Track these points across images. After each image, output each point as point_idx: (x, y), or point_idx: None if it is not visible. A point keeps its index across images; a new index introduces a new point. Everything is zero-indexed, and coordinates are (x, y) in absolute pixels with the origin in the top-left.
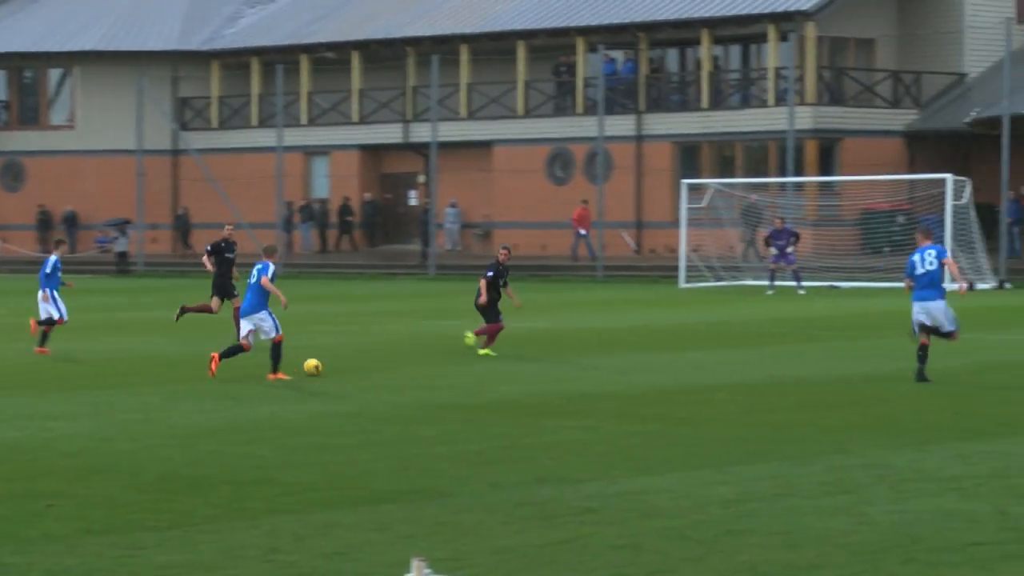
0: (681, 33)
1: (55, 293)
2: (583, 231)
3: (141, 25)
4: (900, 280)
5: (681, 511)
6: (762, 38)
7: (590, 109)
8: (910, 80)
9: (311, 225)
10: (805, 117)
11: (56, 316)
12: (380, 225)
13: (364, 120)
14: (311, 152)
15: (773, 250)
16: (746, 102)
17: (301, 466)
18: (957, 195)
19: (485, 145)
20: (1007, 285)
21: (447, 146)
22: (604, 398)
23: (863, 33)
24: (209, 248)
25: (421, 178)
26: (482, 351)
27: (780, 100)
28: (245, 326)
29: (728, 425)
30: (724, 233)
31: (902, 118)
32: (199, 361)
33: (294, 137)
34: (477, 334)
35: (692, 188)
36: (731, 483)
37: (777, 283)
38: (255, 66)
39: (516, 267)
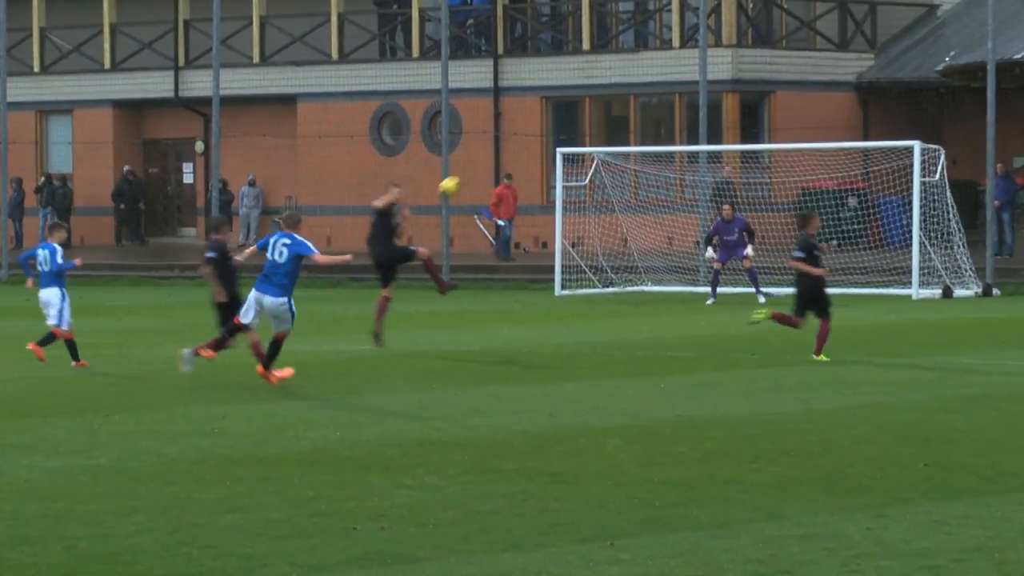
0: None
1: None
2: (501, 220)
3: None
4: (853, 284)
5: None
6: None
7: (430, 52)
8: (862, 14)
9: (50, 212)
10: (723, 64)
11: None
12: (145, 211)
13: (119, 66)
14: (47, 110)
15: (709, 251)
16: (642, 43)
17: (39, 542)
18: (927, 169)
19: (287, 101)
20: (995, 291)
21: (235, 102)
22: (453, 447)
23: None
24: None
25: (199, 146)
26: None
27: (689, 40)
28: (252, 308)
29: (622, 483)
30: (614, 220)
31: (853, 65)
32: None
33: (23, 89)
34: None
35: (570, 159)
36: (627, 561)
37: (723, 289)
38: None
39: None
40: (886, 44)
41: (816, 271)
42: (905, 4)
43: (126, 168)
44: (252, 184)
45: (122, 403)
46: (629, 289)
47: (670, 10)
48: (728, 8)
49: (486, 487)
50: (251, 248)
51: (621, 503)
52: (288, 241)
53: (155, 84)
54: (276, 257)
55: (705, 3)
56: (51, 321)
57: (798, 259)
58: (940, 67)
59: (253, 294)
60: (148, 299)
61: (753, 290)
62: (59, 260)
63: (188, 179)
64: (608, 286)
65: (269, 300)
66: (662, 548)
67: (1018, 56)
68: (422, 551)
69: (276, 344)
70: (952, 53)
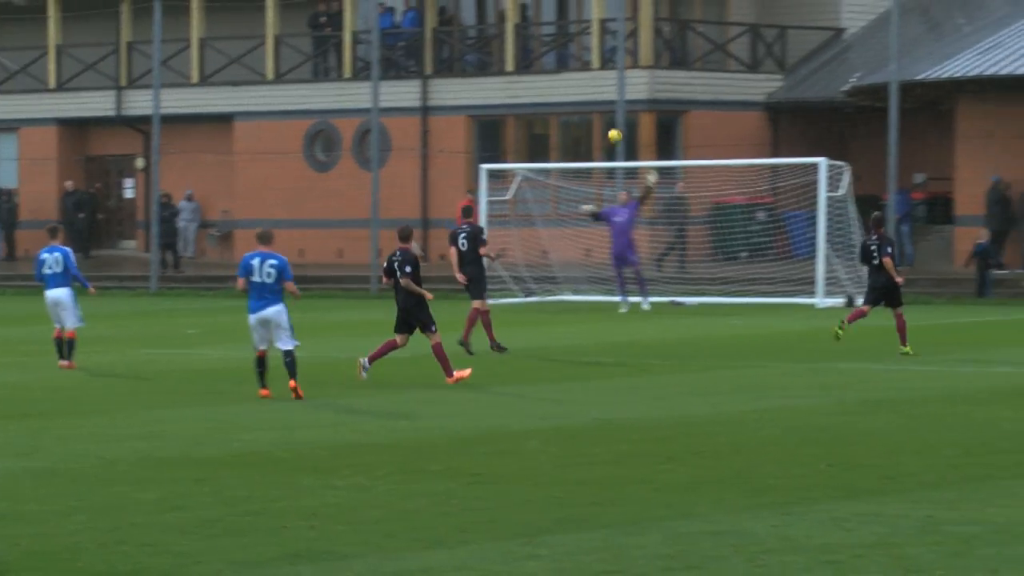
0: None
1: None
2: None
3: None
4: (760, 294)
5: None
6: None
7: (361, 73)
8: (773, 37)
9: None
10: (639, 84)
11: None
12: (88, 224)
13: (64, 86)
14: None
15: (587, 207)
16: (563, 64)
17: None
18: (833, 185)
19: (224, 119)
20: None
21: (174, 120)
22: (380, 449)
23: None
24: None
25: (140, 162)
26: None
27: (607, 62)
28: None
29: (540, 483)
30: (535, 233)
31: (763, 85)
32: None
33: None
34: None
35: (494, 175)
36: (544, 557)
37: (637, 298)
38: None
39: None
40: (795, 66)
41: (899, 279)
42: (813, 28)
43: (68, 183)
44: (189, 199)
45: (63, 408)
46: (549, 299)
47: (590, 33)
48: (645, 31)
49: (411, 487)
50: (240, 281)
51: (540, 502)
52: (275, 262)
53: (98, 103)
54: (265, 278)
55: (623, 26)
56: (68, 324)
57: (888, 255)
58: (846, 87)
59: (253, 319)
60: (88, 309)
61: (640, 298)
62: (73, 263)
63: (129, 194)
64: (529, 296)
65: (271, 310)
66: (578, 545)
67: (920, 77)
68: (349, 548)
69: (285, 356)
70: (857, 74)
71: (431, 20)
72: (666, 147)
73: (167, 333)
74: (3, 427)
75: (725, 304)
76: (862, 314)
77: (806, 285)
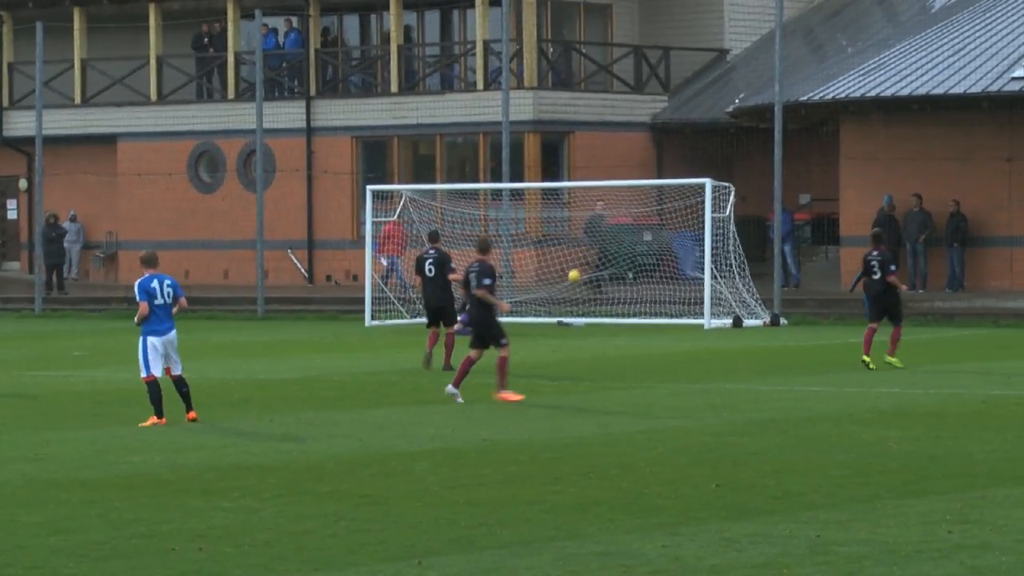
0: None
1: None
2: (384, 259)
3: None
4: (648, 314)
5: None
6: (467, 3)
7: (245, 94)
8: (656, 58)
9: None
10: (524, 105)
11: None
12: None
13: None
14: None
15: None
16: (448, 85)
17: None
18: (718, 206)
19: (107, 140)
20: (782, 321)
21: (57, 141)
22: (268, 471)
23: None
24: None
25: (23, 183)
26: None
27: (492, 83)
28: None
29: (429, 504)
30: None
31: (647, 107)
32: None
33: None
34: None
35: (379, 196)
36: None
37: (524, 319)
38: None
39: None
40: (679, 87)
41: (903, 287)
42: (697, 49)
43: None
44: (73, 220)
45: None
46: None
47: (474, 54)
48: (529, 52)
49: (300, 509)
50: (143, 305)
51: (429, 523)
52: (171, 282)
53: None
54: (166, 299)
55: (508, 48)
56: None
57: (894, 273)
58: (730, 108)
59: (159, 342)
60: None
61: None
62: None
63: (12, 215)
64: (415, 317)
65: (172, 335)
66: (468, 566)
67: (803, 98)
68: (239, 570)
69: (182, 384)
70: (741, 95)
71: (314, 41)
72: (551, 168)
73: (53, 355)
74: None
75: (613, 324)
76: (873, 332)
77: (693, 306)
